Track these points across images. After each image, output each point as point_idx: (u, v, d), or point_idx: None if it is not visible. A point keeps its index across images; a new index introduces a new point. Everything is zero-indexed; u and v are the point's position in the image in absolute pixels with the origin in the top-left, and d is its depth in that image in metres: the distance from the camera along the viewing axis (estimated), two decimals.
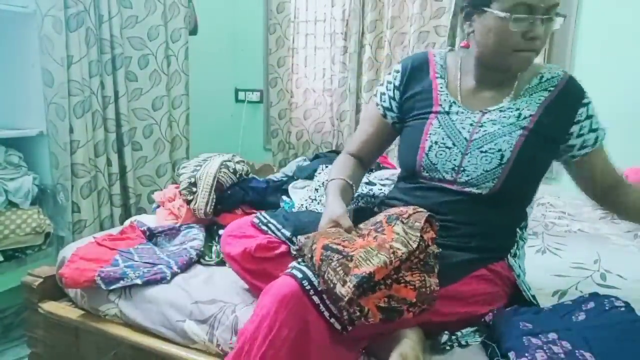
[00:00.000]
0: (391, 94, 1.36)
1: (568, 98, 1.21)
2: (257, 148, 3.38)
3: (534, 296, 1.25)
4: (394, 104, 1.36)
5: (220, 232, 1.74)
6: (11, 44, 2.26)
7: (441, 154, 1.23)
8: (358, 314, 0.93)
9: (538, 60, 1.47)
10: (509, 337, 1.01)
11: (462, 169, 1.21)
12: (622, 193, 1.27)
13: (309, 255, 1.00)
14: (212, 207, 1.80)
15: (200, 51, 3.01)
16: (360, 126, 1.47)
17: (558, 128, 1.21)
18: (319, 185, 1.85)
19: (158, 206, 2.04)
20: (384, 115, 1.38)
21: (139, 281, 1.48)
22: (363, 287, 0.93)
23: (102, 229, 2.44)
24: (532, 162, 1.19)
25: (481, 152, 1.19)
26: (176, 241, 1.78)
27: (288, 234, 1.28)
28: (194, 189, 1.82)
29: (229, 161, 1.96)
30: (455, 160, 1.21)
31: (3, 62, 2.29)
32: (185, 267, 1.59)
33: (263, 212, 1.39)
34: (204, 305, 1.38)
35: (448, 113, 1.26)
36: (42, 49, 2.18)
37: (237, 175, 1.94)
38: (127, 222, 1.91)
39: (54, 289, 1.60)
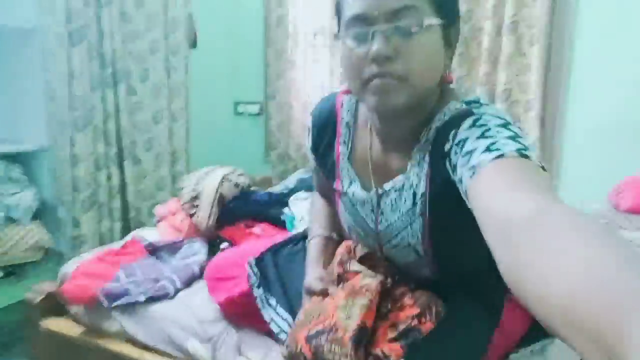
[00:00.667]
0: (310, 144, 1.10)
1: (441, 135, 0.86)
2: (257, 160, 3.38)
3: None
4: (313, 154, 1.11)
5: (223, 245, 1.74)
6: (13, 60, 2.26)
7: (361, 241, 1.05)
8: None
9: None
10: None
11: (390, 260, 1.02)
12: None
13: (303, 358, 0.91)
14: (215, 220, 1.79)
15: (200, 64, 3.01)
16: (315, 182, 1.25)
17: (443, 183, 0.85)
18: None
19: (159, 220, 2.04)
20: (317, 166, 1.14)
21: (142, 298, 1.46)
22: (362, 342, 0.87)
23: (101, 243, 2.43)
24: (454, 240, 0.91)
25: (392, 246, 0.98)
26: (179, 256, 1.77)
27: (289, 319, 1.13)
28: (196, 203, 1.81)
29: (231, 174, 1.96)
30: (377, 252, 1.03)
31: (5, 77, 2.29)
32: (188, 282, 1.58)
33: (261, 291, 1.22)
34: (208, 324, 1.36)
35: (347, 194, 1.02)
36: (44, 63, 2.19)
37: (239, 189, 1.93)
38: (128, 237, 1.90)
39: (56, 305, 1.59)
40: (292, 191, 2.12)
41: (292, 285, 1.16)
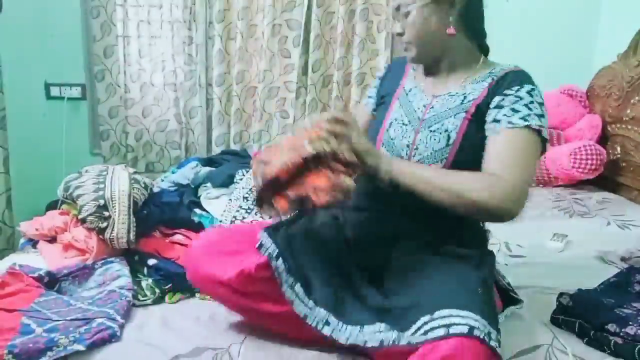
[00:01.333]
0: (378, 87, 1.45)
1: (504, 81, 1.21)
2: (81, 153, 2.85)
3: (509, 283, 1.35)
4: (376, 92, 1.45)
5: (151, 262, 1.46)
6: None
7: (398, 130, 1.29)
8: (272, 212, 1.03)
9: None
10: (600, 312, 1.14)
11: (415, 147, 1.25)
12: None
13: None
14: (135, 232, 1.49)
15: (6, 34, 2.40)
16: None
17: (488, 106, 1.21)
18: (247, 193, 1.68)
19: (34, 241, 1.60)
20: (376, 104, 1.43)
21: (80, 347, 1.15)
22: (269, 188, 1.01)
23: None
24: (477, 145, 1.19)
25: (430, 131, 1.23)
26: (91, 283, 1.45)
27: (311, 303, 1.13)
28: (106, 214, 1.48)
29: (134, 173, 1.64)
30: (409, 137, 1.26)
31: None
32: (127, 314, 1.30)
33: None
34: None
35: (407, 94, 1.34)
36: None
37: (148, 190, 1.64)
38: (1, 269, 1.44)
39: None
40: (188, 187, 1.88)
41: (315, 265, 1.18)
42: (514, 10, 2.72)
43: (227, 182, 1.78)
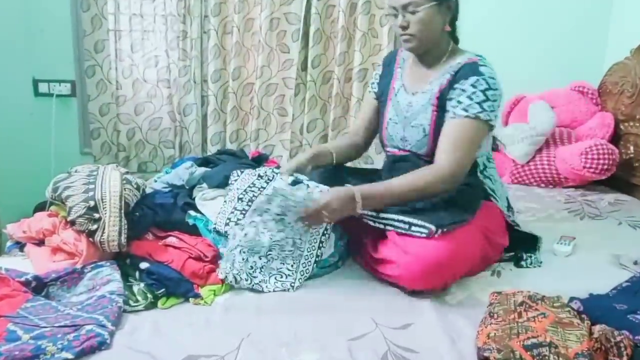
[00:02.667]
0: (378, 81, 1.75)
1: (457, 75, 1.51)
2: (71, 153, 2.75)
3: (511, 217, 1.63)
4: (377, 88, 1.75)
5: (142, 265, 1.39)
6: None
7: (393, 128, 1.65)
8: None
9: None
10: (612, 318, 1.11)
11: (405, 139, 1.62)
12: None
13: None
14: (126, 235, 1.39)
15: None
16: (358, 114, 1.88)
17: (446, 97, 1.53)
18: (242, 194, 1.59)
19: (21, 244, 1.51)
20: (376, 98, 1.75)
21: (68, 355, 1.09)
22: None
23: None
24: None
25: (412, 126, 1.59)
26: (81, 288, 1.37)
27: None
28: (96, 215, 1.38)
29: (125, 173, 1.55)
30: (401, 132, 1.63)
31: None
32: (118, 321, 1.23)
33: None
34: None
35: (396, 95, 1.66)
36: None
37: (141, 191, 1.54)
38: None
39: None
40: (183, 189, 1.78)
41: None
42: (524, 6, 2.65)
43: (224, 182, 1.69)
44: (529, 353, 1.01)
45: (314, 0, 2.59)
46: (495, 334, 1.09)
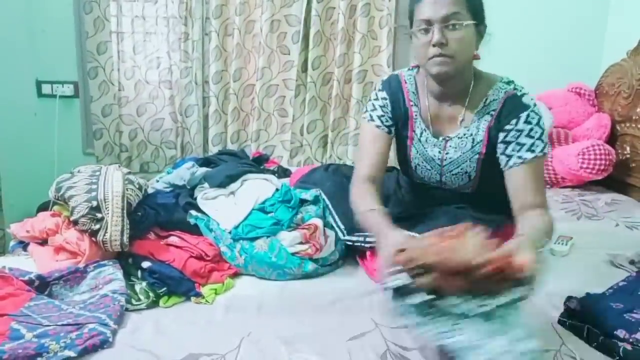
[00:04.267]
0: (389, 115, 1.50)
1: (501, 116, 1.37)
2: (73, 153, 2.78)
3: None
4: (391, 122, 1.51)
5: (145, 265, 1.40)
6: None
7: (424, 172, 1.52)
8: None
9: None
10: (608, 317, 1.11)
11: (443, 182, 1.51)
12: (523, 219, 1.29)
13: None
14: (128, 235, 1.41)
15: None
16: (364, 150, 1.52)
17: (495, 141, 1.38)
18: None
19: (24, 244, 1.52)
20: (389, 132, 1.51)
21: (71, 353, 1.10)
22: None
23: None
24: (495, 171, 1.39)
25: (452, 174, 1.48)
26: (83, 287, 1.38)
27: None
28: (99, 215, 1.40)
29: (128, 174, 1.57)
30: (436, 177, 1.51)
31: None
32: (120, 319, 1.24)
33: None
34: None
35: (420, 140, 1.49)
36: None
37: (143, 191, 1.56)
38: None
39: None
40: (184, 189, 1.80)
41: None
42: (521, 7, 2.67)
43: (225, 182, 1.71)
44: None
45: (314, 3, 2.61)
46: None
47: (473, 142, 1.41)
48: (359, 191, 1.43)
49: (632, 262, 1.61)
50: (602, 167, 2.22)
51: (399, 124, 1.50)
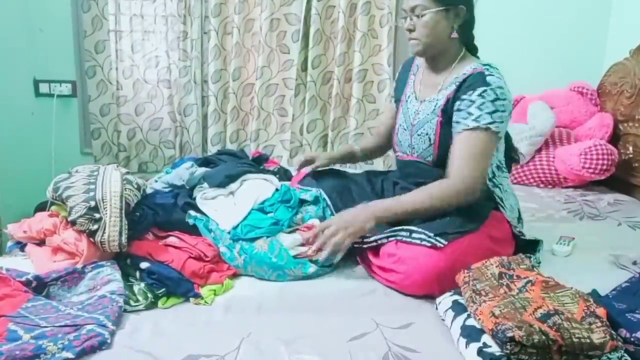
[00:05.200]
0: (395, 86, 1.81)
1: (462, 86, 1.51)
2: (71, 153, 2.76)
3: (516, 227, 1.60)
4: (393, 91, 1.81)
5: (143, 265, 1.38)
6: None
7: (402, 134, 1.68)
8: None
9: None
10: (611, 318, 1.10)
11: (412, 147, 1.64)
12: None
13: (542, 334, 1.01)
14: (127, 235, 1.40)
15: None
16: (380, 117, 2.03)
17: (451, 110, 1.53)
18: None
19: (22, 244, 1.51)
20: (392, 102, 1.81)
21: (69, 355, 1.09)
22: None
23: None
24: (449, 138, 1.54)
25: (418, 135, 1.62)
26: (81, 288, 1.36)
27: None
28: (97, 216, 1.38)
29: (126, 173, 1.55)
30: (408, 140, 1.65)
31: None
32: (118, 320, 1.22)
33: None
34: None
35: (407, 102, 1.69)
36: None
37: (141, 192, 1.55)
38: None
39: None
40: (183, 189, 1.78)
41: None
42: (523, 6, 2.66)
43: (225, 182, 1.69)
44: (546, 325, 1.01)
45: (314, 1, 2.60)
46: (500, 311, 1.07)
47: (435, 106, 1.57)
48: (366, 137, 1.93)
49: (635, 263, 1.60)
50: (605, 167, 2.21)
51: (399, 93, 1.74)
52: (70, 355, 1.08)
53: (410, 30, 1.53)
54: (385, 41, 2.68)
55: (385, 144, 1.87)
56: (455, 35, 1.54)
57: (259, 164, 2.17)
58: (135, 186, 1.53)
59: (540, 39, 2.67)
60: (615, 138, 2.40)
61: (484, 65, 1.52)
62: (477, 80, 1.48)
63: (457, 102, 1.50)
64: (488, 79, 1.47)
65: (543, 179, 2.39)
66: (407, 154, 1.66)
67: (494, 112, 1.44)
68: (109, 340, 1.13)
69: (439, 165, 1.57)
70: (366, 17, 2.63)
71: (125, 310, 1.26)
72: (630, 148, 2.33)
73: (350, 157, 1.91)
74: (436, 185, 1.47)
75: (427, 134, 1.57)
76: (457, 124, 1.49)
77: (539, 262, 1.57)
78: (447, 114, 1.53)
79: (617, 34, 2.65)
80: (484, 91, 1.45)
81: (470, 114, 1.46)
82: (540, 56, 2.63)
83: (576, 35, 2.68)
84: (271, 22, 2.65)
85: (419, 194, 1.47)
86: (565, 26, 2.69)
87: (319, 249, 1.42)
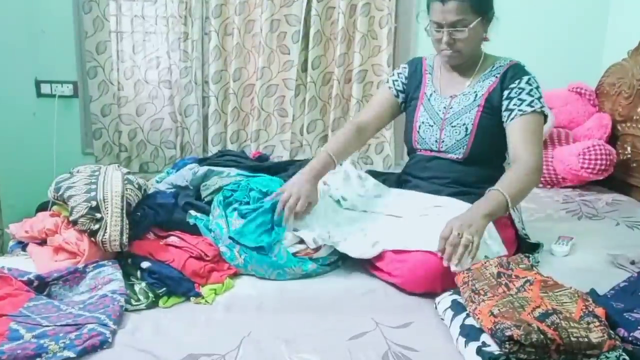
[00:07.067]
0: (403, 81, 1.79)
1: (507, 77, 1.61)
2: (72, 153, 2.76)
3: (524, 230, 1.67)
4: (403, 88, 1.79)
5: (144, 265, 1.39)
6: None
7: (426, 131, 1.70)
8: None
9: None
10: (609, 317, 1.11)
11: (442, 140, 1.67)
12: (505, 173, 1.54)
13: (541, 333, 1.00)
14: (128, 235, 1.41)
15: None
16: (369, 104, 1.87)
17: (498, 99, 1.60)
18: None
19: (24, 244, 1.52)
20: (396, 95, 1.79)
21: (70, 354, 1.09)
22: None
23: None
24: (488, 130, 1.62)
25: (452, 126, 1.65)
26: (82, 287, 1.37)
27: None
28: (98, 215, 1.40)
29: (127, 173, 1.56)
30: (436, 134, 1.68)
31: None
32: (120, 320, 1.23)
33: None
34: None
35: (429, 100, 1.72)
36: None
37: (142, 191, 1.56)
38: None
39: None
40: (186, 190, 1.80)
41: None
42: (522, 7, 2.66)
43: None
44: (544, 324, 1.02)
45: (314, 2, 2.60)
46: (499, 310, 1.08)
47: (475, 97, 1.63)
48: (341, 130, 1.75)
49: (632, 263, 1.61)
50: (603, 167, 2.22)
51: (411, 92, 1.76)
52: (71, 354, 1.09)
53: (450, 45, 1.56)
54: (385, 42, 2.69)
55: (368, 136, 1.79)
56: (487, 38, 1.62)
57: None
58: (137, 186, 1.54)
59: (538, 39, 2.68)
60: (613, 138, 2.41)
61: (510, 60, 1.65)
62: (518, 70, 1.60)
63: (506, 91, 1.58)
64: (526, 69, 1.62)
65: (542, 178, 2.40)
66: (433, 150, 1.69)
67: (540, 97, 1.57)
68: (110, 340, 1.14)
69: (468, 159, 1.64)
70: (366, 19, 2.64)
71: (126, 310, 1.27)
72: (629, 148, 2.35)
73: (330, 167, 1.65)
74: (515, 171, 1.49)
75: (464, 124, 1.62)
76: (511, 111, 1.56)
77: (538, 262, 1.58)
78: (490, 102, 1.60)
79: (616, 34, 2.67)
80: (529, 79, 1.58)
81: (522, 100, 1.55)
82: (538, 57, 2.59)
83: (575, 36, 2.69)
84: (271, 23, 2.65)
85: (507, 181, 1.45)
86: (564, 27, 2.70)
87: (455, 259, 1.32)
